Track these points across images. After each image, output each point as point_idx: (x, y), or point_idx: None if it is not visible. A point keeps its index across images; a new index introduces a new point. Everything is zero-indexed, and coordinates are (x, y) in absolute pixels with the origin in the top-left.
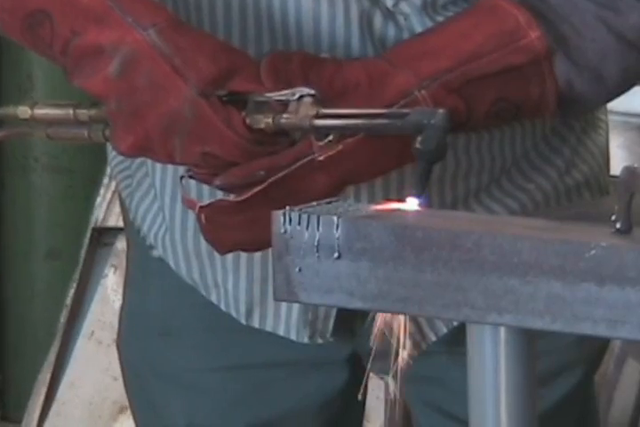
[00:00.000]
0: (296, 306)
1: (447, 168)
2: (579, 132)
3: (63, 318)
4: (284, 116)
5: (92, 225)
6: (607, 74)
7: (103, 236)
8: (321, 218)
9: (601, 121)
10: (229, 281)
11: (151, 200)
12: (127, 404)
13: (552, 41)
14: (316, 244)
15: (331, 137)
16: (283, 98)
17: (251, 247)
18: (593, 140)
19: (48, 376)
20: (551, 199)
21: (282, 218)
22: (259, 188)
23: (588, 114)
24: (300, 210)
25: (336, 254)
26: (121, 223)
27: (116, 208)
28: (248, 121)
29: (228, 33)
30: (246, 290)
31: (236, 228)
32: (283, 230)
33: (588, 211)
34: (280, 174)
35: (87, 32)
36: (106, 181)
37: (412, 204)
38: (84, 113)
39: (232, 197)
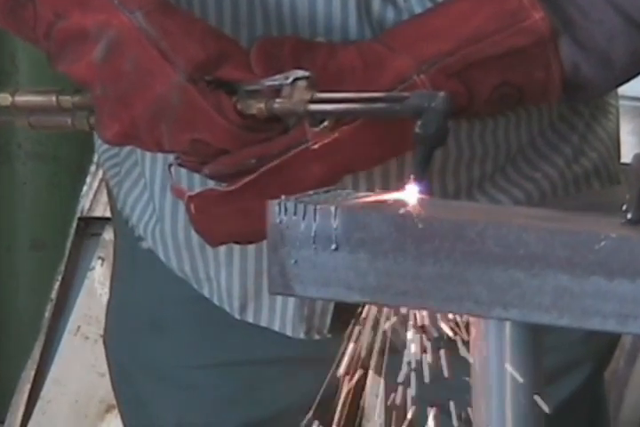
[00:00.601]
0: (292, 300)
1: (449, 156)
2: (587, 117)
3: (48, 313)
4: (278, 100)
5: (77, 215)
6: (615, 57)
7: (90, 226)
8: (318, 208)
9: (611, 106)
10: (222, 274)
11: (141, 190)
12: (115, 402)
13: (557, 22)
14: (312, 235)
15: (326, 123)
16: (276, 82)
17: (244, 239)
18: (603, 126)
19: (32, 373)
20: (559, 188)
21: (277, 208)
22: (250, 177)
23: (598, 99)
24: (297, 199)
25: (333, 246)
26: (108, 213)
27: (103, 197)
28: (239, 106)
29: (219, 16)
30: (240, 284)
31: (227, 218)
32: (278, 221)
33: (598, 200)
34: (273, 163)
35: (71, 15)
36: (92, 168)
37: (411, 191)
38: (67, 100)
39: (223, 187)
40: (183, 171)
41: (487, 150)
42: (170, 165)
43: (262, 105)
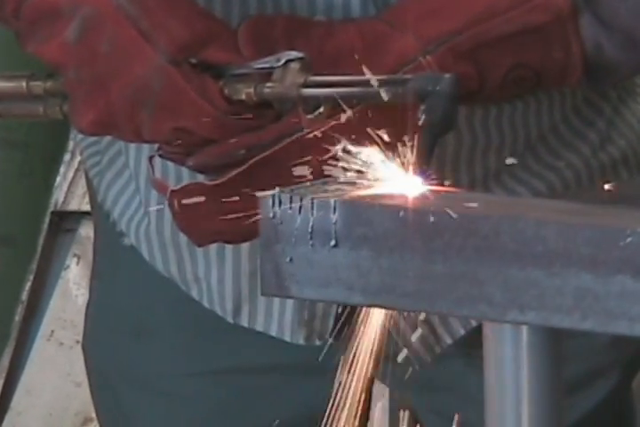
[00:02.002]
0: (290, 302)
1: (462, 145)
2: (615, 101)
3: (18, 316)
4: (268, 85)
5: (50, 208)
6: None
7: (64, 221)
8: (315, 200)
9: None
10: (213, 275)
11: (126, 181)
12: (92, 414)
13: None
14: (309, 230)
15: (321, 109)
16: (266, 65)
17: (233, 238)
18: (632, 110)
19: (1, 382)
20: (583, 178)
21: (270, 201)
22: (239, 169)
23: (625, 81)
24: (292, 191)
25: (333, 242)
26: (84, 207)
27: (79, 189)
28: (226, 91)
29: None
30: (233, 284)
31: (215, 215)
32: (271, 215)
33: (625, 191)
34: (264, 154)
35: None
36: (67, 157)
37: (414, 183)
38: (38, 85)
39: (209, 180)
40: (170, 163)
41: (504, 138)
42: (151, 157)
43: (251, 90)
